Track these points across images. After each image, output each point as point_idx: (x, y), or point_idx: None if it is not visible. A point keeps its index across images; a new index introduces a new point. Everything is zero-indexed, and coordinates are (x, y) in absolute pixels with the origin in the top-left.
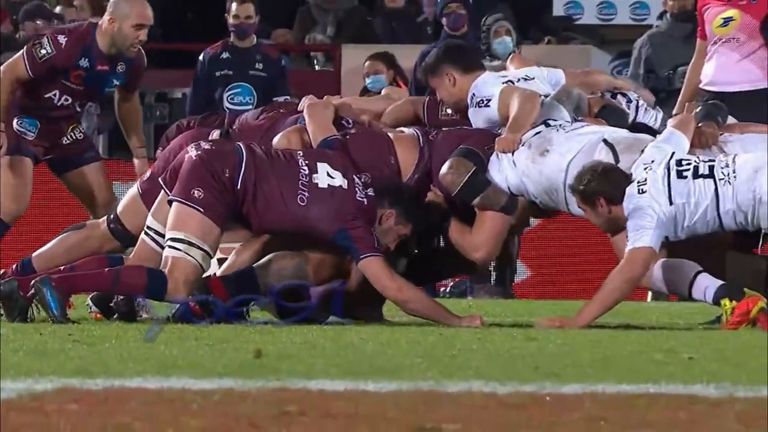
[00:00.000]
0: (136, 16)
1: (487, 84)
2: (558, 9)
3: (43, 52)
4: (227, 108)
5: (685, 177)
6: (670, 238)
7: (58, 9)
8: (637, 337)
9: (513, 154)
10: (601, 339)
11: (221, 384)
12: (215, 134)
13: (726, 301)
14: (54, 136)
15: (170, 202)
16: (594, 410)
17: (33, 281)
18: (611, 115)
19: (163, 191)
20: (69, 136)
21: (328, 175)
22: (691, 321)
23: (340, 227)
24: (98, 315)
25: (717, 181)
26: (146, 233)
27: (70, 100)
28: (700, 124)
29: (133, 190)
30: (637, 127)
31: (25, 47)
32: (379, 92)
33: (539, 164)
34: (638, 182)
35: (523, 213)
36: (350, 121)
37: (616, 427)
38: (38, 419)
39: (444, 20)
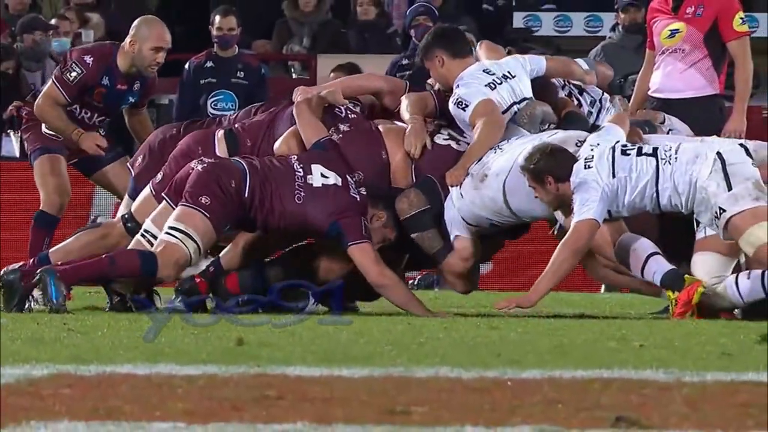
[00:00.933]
0: (155, 39)
1: (470, 87)
2: (518, 21)
3: (74, 74)
4: (210, 113)
5: (629, 154)
6: (612, 213)
7: (53, 21)
8: (591, 326)
9: (461, 186)
10: (559, 328)
11: (205, 370)
12: (220, 134)
13: (669, 293)
14: (75, 143)
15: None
16: (552, 394)
17: (39, 270)
18: (572, 122)
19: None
20: None
21: (322, 175)
22: (642, 311)
23: (334, 220)
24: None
25: (659, 159)
26: (143, 235)
27: (89, 114)
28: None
29: (146, 190)
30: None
31: (53, 75)
32: None
33: (481, 189)
34: (585, 158)
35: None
36: (342, 109)
37: (571, 409)
38: (35, 403)
39: (412, 32)
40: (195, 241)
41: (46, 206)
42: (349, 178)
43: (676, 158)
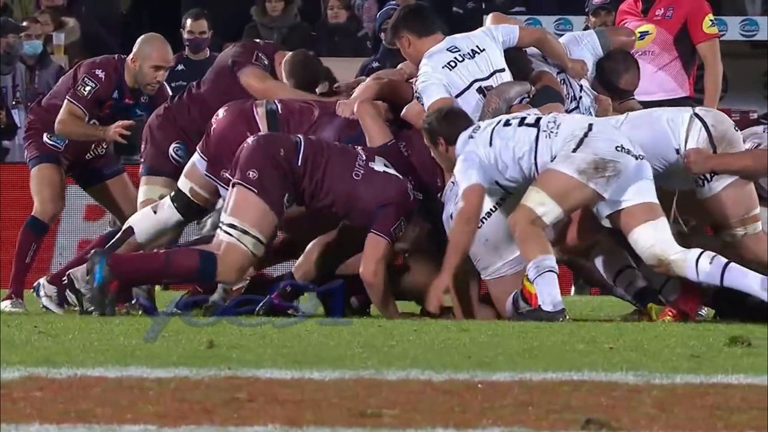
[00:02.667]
0: (155, 58)
1: (427, 76)
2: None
3: (88, 89)
4: None
5: (510, 125)
6: (501, 183)
7: (24, 23)
8: (561, 328)
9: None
10: (529, 330)
11: (176, 372)
12: (260, 111)
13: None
14: (79, 152)
15: (232, 185)
16: (522, 396)
17: (92, 251)
18: (545, 97)
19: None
20: (92, 152)
21: (385, 165)
22: (611, 313)
23: (381, 205)
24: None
25: (540, 131)
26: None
27: (97, 125)
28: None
29: (194, 157)
30: None
31: (70, 96)
32: None
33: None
34: (473, 129)
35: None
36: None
37: (542, 411)
38: (5, 405)
39: (382, 35)
40: (252, 236)
41: (39, 214)
42: (409, 180)
43: (556, 133)
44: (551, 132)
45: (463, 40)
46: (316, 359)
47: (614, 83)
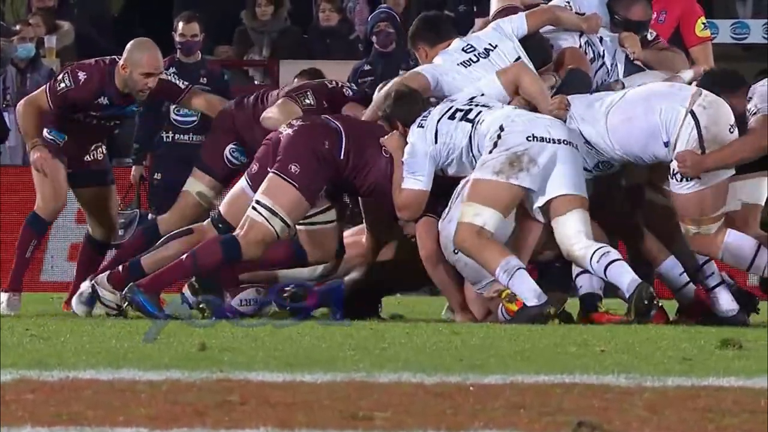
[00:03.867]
0: (145, 65)
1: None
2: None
3: (62, 85)
4: (174, 120)
5: (454, 118)
6: (446, 171)
7: (17, 27)
8: (553, 331)
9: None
10: (521, 333)
11: (168, 375)
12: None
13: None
14: (77, 152)
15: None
16: (514, 398)
17: (124, 292)
18: (573, 82)
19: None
20: (91, 155)
21: None
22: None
23: None
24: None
25: (475, 125)
26: (212, 219)
27: (95, 121)
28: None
29: (237, 187)
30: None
31: (49, 82)
32: None
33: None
34: (422, 116)
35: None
36: None
37: (534, 413)
38: None
39: (374, 38)
40: (282, 219)
41: (40, 210)
42: None
43: (480, 124)
44: (477, 125)
45: (475, 40)
46: (308, 361)
47: (627, 17)
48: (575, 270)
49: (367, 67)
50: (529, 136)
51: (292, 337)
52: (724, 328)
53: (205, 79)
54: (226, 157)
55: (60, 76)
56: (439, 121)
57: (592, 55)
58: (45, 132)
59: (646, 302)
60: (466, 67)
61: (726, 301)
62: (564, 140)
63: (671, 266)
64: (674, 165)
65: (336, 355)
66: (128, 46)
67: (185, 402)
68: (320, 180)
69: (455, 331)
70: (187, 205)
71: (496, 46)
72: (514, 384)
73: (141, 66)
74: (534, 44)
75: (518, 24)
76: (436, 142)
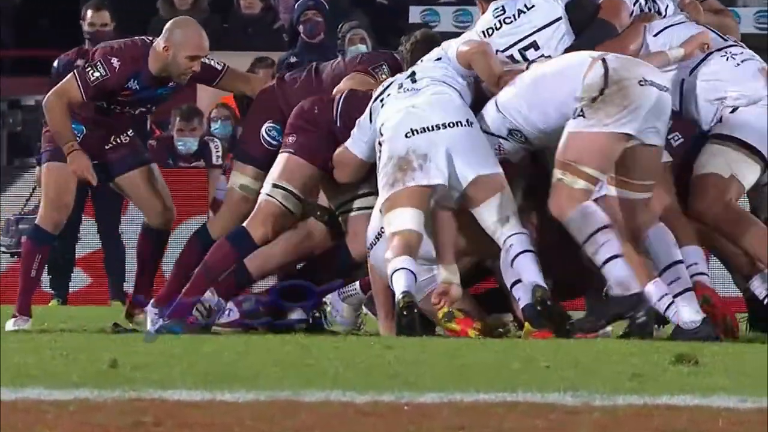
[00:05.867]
0: (193, 47)
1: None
2: (414, 16)
3: (97, 74)
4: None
5: (391, 95)
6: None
7: None
8: (494, 345)
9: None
10: (459, 347)
11: (76, 394)
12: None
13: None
14: (97, 143)
15: None
16: (452, 419)
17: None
18: (594, 32)
19: None
20: (113, 141)
21: None
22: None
23: None
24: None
25: (372, 114)
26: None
27: (120, 109)
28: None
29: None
30: None
31: (77, 71)
32: None
33: None
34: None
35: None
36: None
37: None
38: None
39: (301, 27)
40: (283, 188)
41: (43, 221)
42: None
43: (378, 115)
44: (376, 114)
45: (512, 1)
46: (228, 379)
47: None
48: (509, 281)
49: (293, 60)
50: (408, 132)
51: (210, 352)
52: (679, 342)
53: None
54: (263, 137)
55: (93, 64)
56: (379, 98)
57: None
58: None
59: (539, 307)
60: (488, 36)
61: (688, 312)
62: (451, 123)
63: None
64: (578, 104)
65: (258, 372)
66: (169, 25)
67: (95, 423)
68: (316, 141)
69: (388, 346)
70: (233, 202)
71: (533, 6)
72: (452, 403)
73: (187, 47)
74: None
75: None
76: (371, 122)
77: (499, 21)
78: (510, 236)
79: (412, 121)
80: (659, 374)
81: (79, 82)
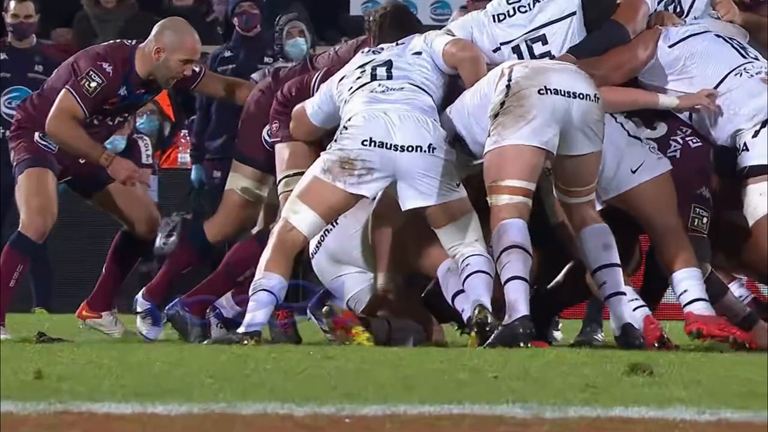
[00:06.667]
0: (187, 51)
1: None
2: (355, 8)
3: (94, 85)
4: (4, 114)
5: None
6: None
7: None
8: (439, 355)
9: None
10: (402, 357)
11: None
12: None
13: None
14: (74, 156)
15: None
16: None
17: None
18: (600, 35)
19: None
20: None
21: None
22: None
23: None
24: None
25: (341, 101)
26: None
27: (101, 119)
28: None
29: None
30: None
31: (70, 86)
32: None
33: None
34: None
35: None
36: None
37: None
38: None
39: (236, 20)
40: (292, 176)
41: (26, 229)
42: None
43: (346, 105)
44: (344, 104)
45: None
46: (160, 391)
47: None
48: (449, 293)
49: (227, 54)
50: (365, 140)
51: (142, 363)
52: (633, 351)
53: (41, 66)
54: (265, 140)
55: (86, 75)
56: (344, 81)
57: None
58: (37, 137)
59: (475, 328)
60: (498, 21)
61: (615, 315)
62: (410, 147)
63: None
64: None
65: (192, 384)
66: (160, 28)
67: None
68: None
69: (328, 356)
70: (232, 205)
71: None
72: (395, 415)
73: (181, 51)
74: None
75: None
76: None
77: (513, 8)
78: (469, 256)
79: (375, 131)
80: (612, 385)
81: (77, 98)
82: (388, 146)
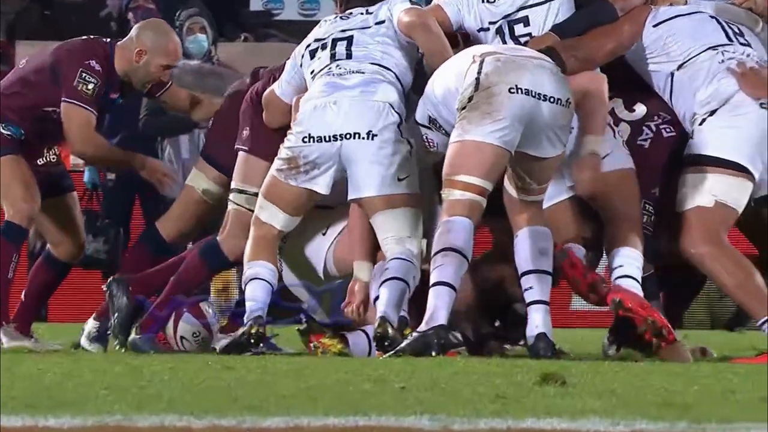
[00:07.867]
0: (169, 54)
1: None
2: (256, 4)
3: (91, 85)
4: None
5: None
6: None
7: None
8: (343, 365)
9: None
10: (305, 366)
11: None
12: None
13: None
14: (31, 154)
15: None
16: None
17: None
18: (589, 13)
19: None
20: (45, 157)
21: None
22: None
23: None
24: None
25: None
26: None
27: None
28: None
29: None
30: None
31: (68, 97)
32: None
33: None
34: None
35: None
36: None
37: None
38: None
39: (131, 15)
40: (240, 191)
41: (14, 217)
42: None
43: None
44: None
45: None
46: (51, 403)
47: None
48: (372, 296)
49: None
50: (305, 137)
51: (32, 374)
52: (545, 361)
53: None
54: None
55: (80, 78)
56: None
57: None
58: (1, 127)
59: (377, 341)
60: (487, 1)
61: (530, 326)
62: (348, 134)
63: None
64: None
65: (85, 395)
66: (141, 29)
67: None
68: (270, 137)
69: (228, 366)
70: (190, 200)
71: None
72: (297, 428)
73: (164, 55)
74: None
75: None
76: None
77: None
78: (391, 259)
79: (314, 125)
80: (524, 395)
81: (83, 106)
82: (327, 138)
